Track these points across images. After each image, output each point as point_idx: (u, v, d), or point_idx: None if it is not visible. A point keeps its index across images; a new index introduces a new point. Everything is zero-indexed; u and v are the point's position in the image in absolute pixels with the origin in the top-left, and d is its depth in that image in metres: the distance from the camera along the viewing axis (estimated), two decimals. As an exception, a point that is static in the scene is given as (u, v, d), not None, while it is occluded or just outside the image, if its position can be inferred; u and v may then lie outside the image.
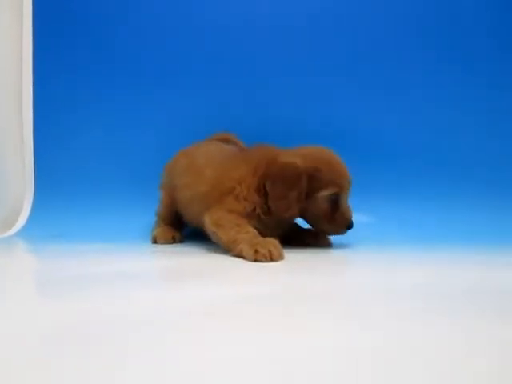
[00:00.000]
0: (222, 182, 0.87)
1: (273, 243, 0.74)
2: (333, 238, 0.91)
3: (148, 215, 1.07)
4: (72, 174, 1.25)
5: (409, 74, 1.21)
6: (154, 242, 0.99)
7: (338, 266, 0.74)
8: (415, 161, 1.20)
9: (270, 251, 0.71)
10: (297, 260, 0.74)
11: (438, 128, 1.20)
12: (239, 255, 0.75)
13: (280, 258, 0.72)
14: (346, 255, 0.83)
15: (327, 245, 0.90)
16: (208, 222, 0.84)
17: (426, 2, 1.21)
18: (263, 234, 0.78)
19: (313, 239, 0.91)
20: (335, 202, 0.85)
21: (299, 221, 0.92)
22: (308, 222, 0.91)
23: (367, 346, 0.32)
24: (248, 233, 0.78)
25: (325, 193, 0.84)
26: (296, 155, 0.84)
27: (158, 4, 1.25)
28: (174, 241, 0.99)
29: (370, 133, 1.21)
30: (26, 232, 1.15)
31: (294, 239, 0.91)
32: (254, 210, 0.84)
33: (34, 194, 1.25)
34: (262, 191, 0.84)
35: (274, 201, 0.83)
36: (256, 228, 0.80)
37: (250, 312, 0.42)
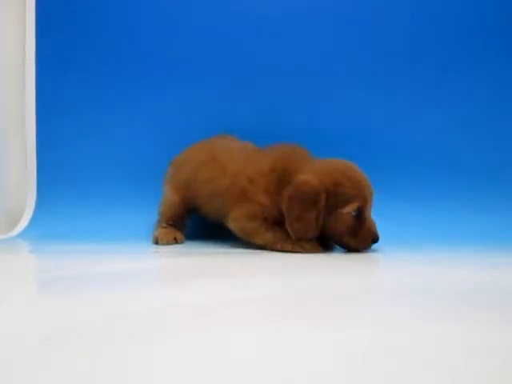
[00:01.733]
0: (240, 178, 0.88)
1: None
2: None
3: (149, 216, 1.07)
4: (74, 175, 1.25)
5: (412, 74, 1.20)
6: (156, 242, 0.99)
7: (337, 267, 0.74)
8: (417, 162, 1.19)
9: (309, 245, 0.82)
10: (297, 261, 0.74)
11: (440, 129, 1.20)
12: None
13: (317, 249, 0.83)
14: (346, 256, 0.82)
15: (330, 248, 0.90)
16: (235, 229, 0.89)
17: (425, 5, 1.20)
18: None
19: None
20: (359, 216, 0.82)
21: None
22: (332, 239, 0.86)
23: (367, 347, 0.32)
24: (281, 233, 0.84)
25: (349, 208, 0.80)
26: (314, 172, 0.81)
27: (157, 9, 1.25)
28: (175, 241, 0.99)
29: (369, 134, 1.20)
30: (29, 233, 1.16)
31: None
32: (262, 212, 0.85)
33: (37, 195, 1.25)
34: (273, 195, 0.84)
35: (292, 223, 0.81)
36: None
37: (251, 312, 0.42)
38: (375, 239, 0.83)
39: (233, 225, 0.89)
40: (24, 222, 1.20)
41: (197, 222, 1.10)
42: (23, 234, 1.15)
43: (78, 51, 1.27)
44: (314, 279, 0.60)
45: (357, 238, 0.82)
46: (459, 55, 1.19)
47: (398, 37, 1.20)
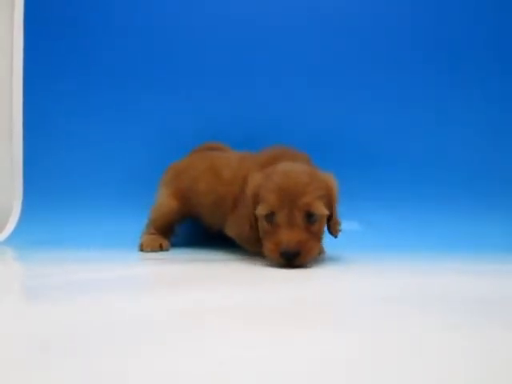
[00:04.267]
0: (234, 186, 0.88)
1: None
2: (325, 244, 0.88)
3: (136, 223, 1.06)
4: (61, 182, 1.24)
5: (399, 77, 1.22)
6: (141, 249, 0.97)
7: (327, 275, 0.74)
8: (407, 168, 1.20)
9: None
10: (285, 269, 0.74)
11: (434, 135, 1.20)
12: None
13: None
14: (335, 264, 0.81)
15: None
16: (232, 235, 0.89)
17: (423, 11, 1.22)
18: None
19: None
20: (274, 224, 0.73)
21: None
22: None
23: (362, 354, 0.32)
24: None
25: (258, 210, 0.75)
26: (263, 171, 0.79)
27: (145, 17, 1.26)
28: (161, 249, 0.98)
29: (361, 141, 1.21)
30: (14, 240, 1.14)
31: None
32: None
33: (23, 201, 1.24)
34: None
35: (236, 219, 0.84)
36: None
37: (239, 318, 0.42)
38: (284, 254, 0.71)
39: (230, 231, 0.90)
40: (10, 229, 1.19)
41: (185, 230, 1.09)
42: (8, 241, 1.14)
43: (67, 58, 1.27)
44: (300, 287, 0.60)
45: (265, 247, 0.75)
46: (445, 58, 1.21)
47: (385, 40, 1.22)
